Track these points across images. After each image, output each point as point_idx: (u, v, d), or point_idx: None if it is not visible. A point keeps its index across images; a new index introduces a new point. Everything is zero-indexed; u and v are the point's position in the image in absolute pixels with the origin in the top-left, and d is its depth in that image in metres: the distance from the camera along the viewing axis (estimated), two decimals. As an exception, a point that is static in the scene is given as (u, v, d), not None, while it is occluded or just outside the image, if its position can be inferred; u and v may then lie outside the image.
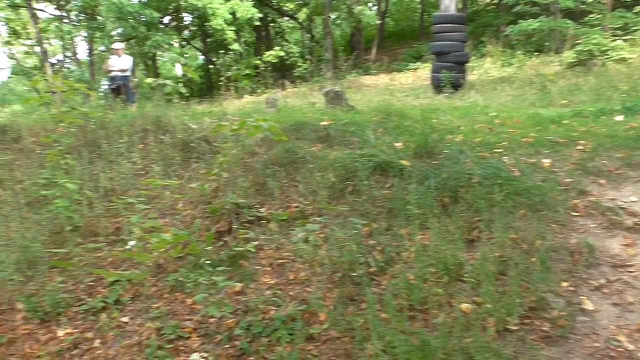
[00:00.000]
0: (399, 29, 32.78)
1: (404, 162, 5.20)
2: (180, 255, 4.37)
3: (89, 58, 21.91)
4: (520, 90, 11.90)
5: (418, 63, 21.20)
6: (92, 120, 6.55)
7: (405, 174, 5.07)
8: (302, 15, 23.44)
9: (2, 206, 5.83)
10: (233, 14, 15.02)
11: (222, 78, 13.98)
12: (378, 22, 23.49)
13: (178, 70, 28.29)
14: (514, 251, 4.00)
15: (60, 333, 3.88)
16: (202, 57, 26.27)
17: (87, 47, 22.25)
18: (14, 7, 19.76)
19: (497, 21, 22.03)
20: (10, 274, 4.30)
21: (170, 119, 6.63)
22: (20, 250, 4.65)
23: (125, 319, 4.01)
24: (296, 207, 5.12)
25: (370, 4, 28.24)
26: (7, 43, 25.56)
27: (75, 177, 5.54)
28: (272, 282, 4.26)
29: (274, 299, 4.00)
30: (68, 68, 22.66)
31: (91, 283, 4.46)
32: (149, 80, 7.60)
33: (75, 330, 3.91)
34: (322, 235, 4.53)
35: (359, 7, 20.63)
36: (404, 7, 34.74)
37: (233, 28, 15.09)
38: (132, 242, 4.90)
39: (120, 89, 11.98)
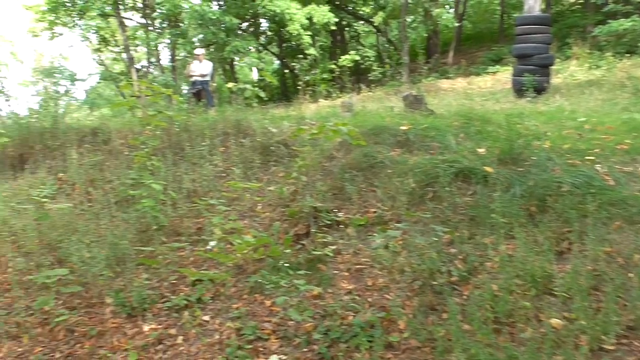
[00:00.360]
0: (476, 31, 31.94)
1: (488, 169, 5.02)
2: (260, 257, 4.42)
3: (171, 64, 22.84)
4: (610, 94, 11.23)
5: (497, 66, 20.54)
6: (176, 124, 6.79)
7: (489, 181, 4.89)
8: (377, 19, 23.35)
9: (93, 204, 6.16)
10: (310, 19, 15.18)
11: (298, 82, 14.16)
12: (456, 24, 22.98)
13: (255, 75, 29.00)
14: (608, 265, 3.76)
15: (146, 328, 4.02)
16: (278, 61, 26.75)
17: (169, 53, 23.22)
18: (104, 16, 20.90)
19: (583, 21, 20.95)
20: (101, 269, 4.50)
21: (250, 123, 6.76)
22: (110, 247, 4.86)
23: (206, 318, 4.09)
24: (374, 212, 5.06)
25: (447, 7, 27.72)
26: (97, 50, 27.17)
27: (160, 178, 5.75)
28: (350, 287, 4.22)
29: (352, 304, 3.95)
30: (152, 73, 23.70)
31: (174, 281, 4.60)
32: (230, 85, 7.80)
33: (159, 326, 4.03)
34: (401, 242, 4.45)
35: (437, 10, 20.28)
36: (483, 9, 33.83)
37: (309, 33, 15.25)
38: (212, 243, 5.03)
39: (200, 93, 12.42)
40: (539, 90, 12.28)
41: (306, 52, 16.30)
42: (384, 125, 6.59)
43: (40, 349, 3.89)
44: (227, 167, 6.11)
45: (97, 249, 4.81)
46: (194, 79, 12.62)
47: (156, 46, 18.45)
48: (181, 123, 6.92)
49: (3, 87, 23.38)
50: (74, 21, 23.41)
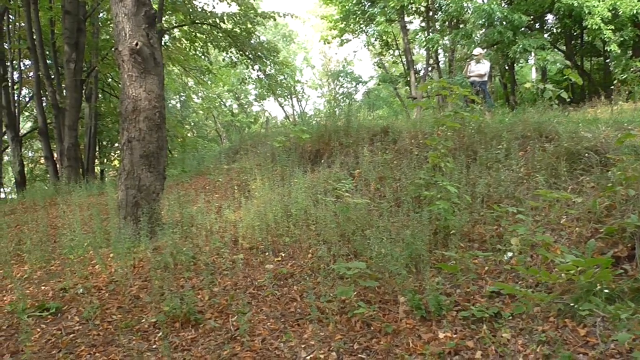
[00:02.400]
0: None
1: None
2: (570, 278, 3.89)
3: (448, 66, 22.81)
4: None
5: None
6: (471, 125, 6.55)
7: None
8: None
9: (382, 201, 6.32)
10: (613, 10, 13.36)
11: (592, 82, 12.58)
12: None
13: (533, 75, 27.11)
14: None
15: (441, 335, 3.86)
16: (565, 60, 24.45)
17: (447, 55, 23.20)
18: (389, 22, 21.83)
19: None
20: (397, 268, 4.51)
21: (554, 126, 6.13)
22: (405, 246, 4.86)
23: (506, 335, 3.75)
24: None
25: None
26: (378, 54, 28.70)
27: (453, 181, 5.58)
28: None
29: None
30: (429, 76, 24.01)
31: (469, 289, 4.36)
32: (527, 85, 7.27)
33: (455, 336, 3.84)
34: None
35: None
36: None
37: (611, 27, 13.44)
38: (509, 254, 4.64)
39: (478, 94, 11.98)
40: None
41: (608, 48, 14.41)
42: None
43: (340, 336, 4.05)
44: (526, 173, 5.62)
45: (392, 246, 4.86)
46: (472, 79, 12.23)
47: (435, 48, 18.52)
48: (475, 124, 6.64)
49: (299, 89, 26.29)
50: (361, 28, 25.12)
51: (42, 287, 5.41)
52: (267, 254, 5.84)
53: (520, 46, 14.30)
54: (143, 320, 4.41)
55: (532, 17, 17.26)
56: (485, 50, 13.84)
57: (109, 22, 16.62)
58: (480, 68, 12.15)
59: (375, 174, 6.94)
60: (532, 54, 16.20)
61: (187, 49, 19.10)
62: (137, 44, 6.49)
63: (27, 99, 20.87)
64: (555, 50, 17.04)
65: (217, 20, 16.20)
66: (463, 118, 6.45)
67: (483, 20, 14.61)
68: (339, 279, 4.85)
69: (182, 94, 30.83)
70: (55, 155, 14.21)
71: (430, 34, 21.23)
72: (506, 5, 14.16)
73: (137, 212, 6.60)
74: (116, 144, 25.24)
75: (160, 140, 6.77)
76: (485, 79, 12.36)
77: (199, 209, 7.26)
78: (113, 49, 7.11)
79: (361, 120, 9.05)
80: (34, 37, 13.12)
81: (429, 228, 5.08)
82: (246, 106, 38.06)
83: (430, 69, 23.57)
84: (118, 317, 4.55)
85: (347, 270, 4.49)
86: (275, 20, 16.95)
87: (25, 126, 24.71)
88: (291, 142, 9.22)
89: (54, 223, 8.28)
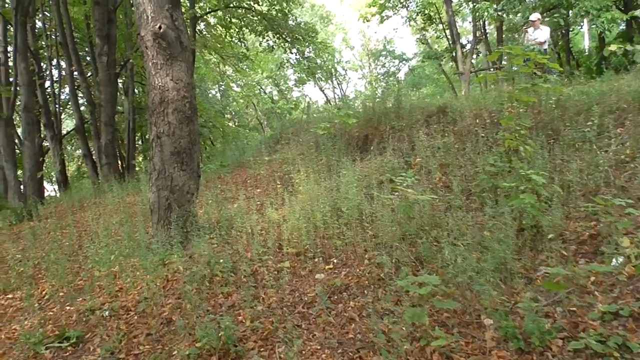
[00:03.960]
0: None
1: None
2: None
3: (497, 37, 21.37)
4: None
5: None
6: (549, 99, 5.54)
7: None
8: None
9: (450, 195, 5.41)
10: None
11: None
12: None
13: (586, 42, 25.23)
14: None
15: (547, 374, 2.99)
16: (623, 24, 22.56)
17: (495, 25, 21.74)
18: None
19: None
20: (478, 281, 3.64)
21: (655, 95, 5.07)
22: (483, 252, 3.99)
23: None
24: None
25: None
26: (421, 29, 27.31)
27: (535, 168, 4.63)
28: None
29: None
30: (476, 49, 22.63)
31: (573, 308, 3.45)
32: (612, 47, 6.22)
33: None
34: None
35: None
36: None
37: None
38: (620, 259, 3.70)
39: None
40: None
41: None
42: None
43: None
44: (630, 155, 4.60)
45: (468, 252, 3.99)
46: (530, 47, 11.03)
47: (484, 19, 17.17)
48: (554, 98, 5.63)
49: (340, 71, 25.33)
50: (402, 3, 23.88)
51: (67, 308, 4.80)
52: (316, 260, 5.06)
53: (583, 8, 12.93)
54: (175, 353, 3.70)
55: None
56: (541, 15, 12.53)
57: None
58: (539, 35, 10.95)
59: (436, 162, 6.03)
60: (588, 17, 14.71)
61: (223, 36, 18.41)
62: (160, 27, 5.76)
63: (68, 97, 20.71)
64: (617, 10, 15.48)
65: (252, 2, 15.40)
66: (539, 91, 5.44)
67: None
68: (405, 293, 4.02)
69: (221, 83, 30.31)
70: (93, 152, 13.84)
71: (477, 3, 19.86)
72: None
73: (170, 216, 5.93)
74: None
75: (192, 134, 6.06)
76: (546, 46, 11.17)
77: (239, 208, 6.55)
78: (137, 35, 6.42)
79: (414, 100, 8.08)
80: (65, 31, 12.67)
81: (510, 227, 4.16)
82: (286, 92, 37.33)
83: (477, 42, 22.14)
84: (146, 347, 3.87)
85: (418, 288, 3.64)
86: (311, -2, 16.02)
87: (69, 124, 24.72)
88: (336, 128, 8.38)
89: (86, 228, 7.74)
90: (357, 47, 36.97)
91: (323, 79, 27.48)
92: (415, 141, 6.93)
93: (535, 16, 11.47)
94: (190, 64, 6.14)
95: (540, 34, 10.99)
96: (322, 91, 35.39)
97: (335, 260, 4.99)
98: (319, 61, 19.62)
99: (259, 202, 7.27)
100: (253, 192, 8.46)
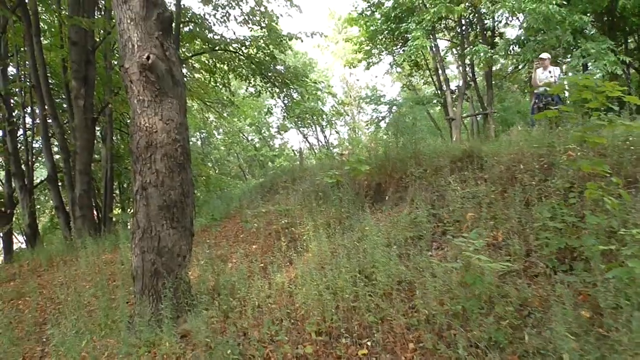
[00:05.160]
0: None
1: None
2: None
3: (485, 82, 21.00)
4: None
5: None
6: (615, 140, 4.68)
7: None
8: None
9: (508, 256, 4.45)
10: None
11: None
12: None
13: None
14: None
15: None
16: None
17: (484, 70, 21.43)
18: (427, 35, 20.15)
19: None
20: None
21: None
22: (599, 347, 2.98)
23: None
24: None
25: None
26: (408, 75, 27.01)
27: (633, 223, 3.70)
28: None
29: None
30: (465, 94, 22.24)
31: None
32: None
33: None
34: None
35: None
36: None
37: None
38: None
39: (547, 107, 10.05)
40: None
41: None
42: None
43: None
44: None
45: (564, 340, 2.99)
46: (541, 89, 10.35)
47: (479, 62, 16.69)
48: (622, 138, 4.77)
49: (329, 115, 24.68)
50: (388, 49, 23.53)
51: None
52: (345, 341, 4.00)
53: (585, 51, 12.48)
54: None
55: (594, 17, 15.41)
56: (550, 55, 11.92)
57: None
58: (549, 76, 10.35)
59: (483, 215, 5.07)
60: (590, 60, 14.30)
61: (207, 81, 17.58)
62: (148, 58, 4.81)
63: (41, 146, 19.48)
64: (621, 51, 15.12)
65: (239, 45, 14.65)
66: (599, 130, 4.58)
67: (537, 24, 12.80)
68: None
69: (202, 130, 29.40)
70: (66, 204, 12.64)
71: (466, 48, 19.54)
72: (557, 7, 12.33)
73: (157, 284, 4.84)
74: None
75: (184, 184, 5.04)
76: (555, 88, 10.53)
77: (238, 271, 5.48)
78: (119, 68, 5.46)
79: (435, 145, 7.18)
80: (38, 72, 11.69)
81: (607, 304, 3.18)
82: (268, 139, 36.56)
83: (466, 87, 21.73)
84: None
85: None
86: (302, 41, 15.35)
87: (42, 173, 23.36)
88: (343, 176, 7.43)
89: (52, 295, 6.55)
90: (340, 94, 36.54)
91: (311, 123, 26.66)
92: (444, 190, 6.01)
93: (545, 55, 10.88)
94: (183, 101, 5.19)
95: (551, 75, 10.44)
96: (306, 138, 34.71)
97: (369, 343, 3.94)
98: (311, 105, 18.80)
99: (260, 263, 6.21)
100: (249, 249, 7.41)
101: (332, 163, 9.75)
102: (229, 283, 5.17)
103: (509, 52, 14.30)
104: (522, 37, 13.84)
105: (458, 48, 21.49)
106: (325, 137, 35.29)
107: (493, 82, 22.14)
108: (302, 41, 16.10)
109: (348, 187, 7.02)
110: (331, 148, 29.46)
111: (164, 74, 4.94)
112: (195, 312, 4.74)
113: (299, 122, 18.95)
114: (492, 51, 14.99)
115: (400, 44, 22.63)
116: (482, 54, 14.89)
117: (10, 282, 8.27)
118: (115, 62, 14.80)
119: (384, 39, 22.84)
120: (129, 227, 18.25)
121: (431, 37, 20.78)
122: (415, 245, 5.17)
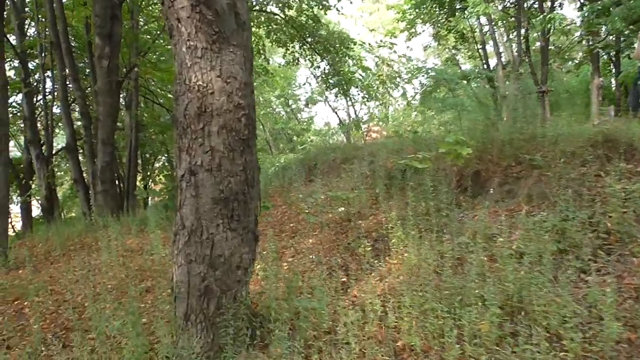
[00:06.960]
0: None
1: None
2: None
3: (541, 56, 19.10)
4: None
5: None
6: None
7: None
8: None
9: None
10: None
11: None
12: None
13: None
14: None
15: None
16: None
17: (540, 44, 19.54)
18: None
19: None
20: None
21: None
22: None
23: None
24: None
25: None
26: (453, 48, 25.14)
27: None
28: None
29: None
30: (518, 70, 20.37)
31: None
32: None
33: None
34: None
35: None
36: None
37: None
38: None
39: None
40: None
41: None
42: None
43: None
44: None
45: None
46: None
47: (548, 30, 14.88)
48: None
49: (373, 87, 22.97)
50: (435, 17, 21.75)
51: None
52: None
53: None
54: None
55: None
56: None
57: (152, 3, 13.48)
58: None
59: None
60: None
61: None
62: (205, -14, 3.33)
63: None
64: None
65: (282, 6, 13.07)
66: None
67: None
68: None
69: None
70: (86, 177, 11.38)
71: (523, 20, 17.71)
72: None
73: (208, 308, 3.44)
74: (161, 157, 22.39)
75: (249, 168, 3.59)
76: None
77: (315, 288, 4.05)
78: (161, 3, 4.03)
79: (560, 128, 5.57)
80: (58, 28, 10.30)
81: None
82: (296, 112, 35.00)
83: (520, 62, 19.89)
84: None
85: None
86: (352, 2, 13.70)
87: (62, 142, 22.11)
88: (432, 160, 5.93)
89: (66, 293, 5.19)
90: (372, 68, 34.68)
91: (352, 95, 24.89)
92: (580, 185, 4.50)
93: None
94: (249, 52, 3.71)
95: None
96: (335, 112, 33.10)
97: None
98: (354, 75, 17.15)
99: (324, 264, 4.80)
100: (304, 243, 6.00)
101: (402, 141, 8.21)
102: (306, 309, 3.73)
103: (590, 21, 12.50)
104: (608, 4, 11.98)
105: (512, 18, 19.62)
106: (355, 111, 33.61)
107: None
108: (351, 2, 14.35)
109: (440, 175, 5.51)
110: (361, 123, 27.88)
111: (226, 12, 3.45)
112: (260, 346, 3.36)
113: (339, 94, 17.34)
114: (569, 18, 13.24)
115: (447, 14, 20.85)
116: (557, 22, 13.08)
117: (19, 269, 6.99)
118: (142, 21, 13.36)
119: (429, 8, 21.09)
120: (149, 204, 16.91)
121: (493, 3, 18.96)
122: (560, 264, 3.70)
